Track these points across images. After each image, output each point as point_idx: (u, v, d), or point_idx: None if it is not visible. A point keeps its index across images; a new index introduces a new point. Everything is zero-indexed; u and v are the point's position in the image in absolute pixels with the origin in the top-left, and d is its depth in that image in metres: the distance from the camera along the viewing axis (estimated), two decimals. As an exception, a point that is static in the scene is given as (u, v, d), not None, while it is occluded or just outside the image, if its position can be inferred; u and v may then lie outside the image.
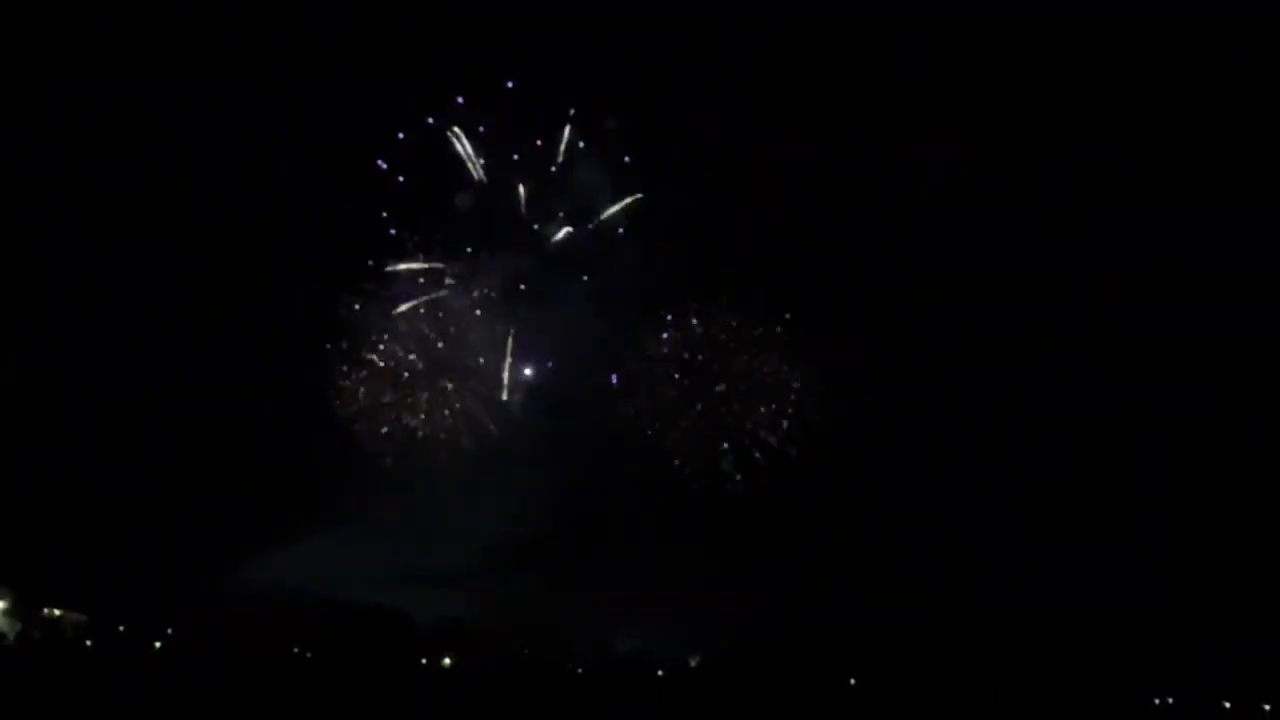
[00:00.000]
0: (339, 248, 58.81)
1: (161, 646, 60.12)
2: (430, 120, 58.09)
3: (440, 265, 58.61)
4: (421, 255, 58.45)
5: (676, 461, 59.48)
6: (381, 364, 58.53)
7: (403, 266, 58.35)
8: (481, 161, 58.72)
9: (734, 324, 59.75)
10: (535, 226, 59.49)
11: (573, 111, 58.47)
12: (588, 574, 61.57)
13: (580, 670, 63.15)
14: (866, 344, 60.24)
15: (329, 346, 58.01)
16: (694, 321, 59.83)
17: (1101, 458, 59.57)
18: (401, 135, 57.63)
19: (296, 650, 60.39)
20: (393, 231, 57.98)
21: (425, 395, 58.88)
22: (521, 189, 59.00)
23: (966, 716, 58.65)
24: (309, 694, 53.91)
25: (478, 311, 58.91)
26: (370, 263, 58.08)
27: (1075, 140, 57.75)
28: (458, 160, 58.65)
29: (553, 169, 59.03)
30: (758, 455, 59.31)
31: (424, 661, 61.47)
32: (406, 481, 59.03)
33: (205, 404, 59.90)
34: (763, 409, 59.54)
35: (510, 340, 59.09)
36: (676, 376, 59.82)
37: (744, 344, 59.83)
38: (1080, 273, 60.73)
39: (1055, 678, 59.54)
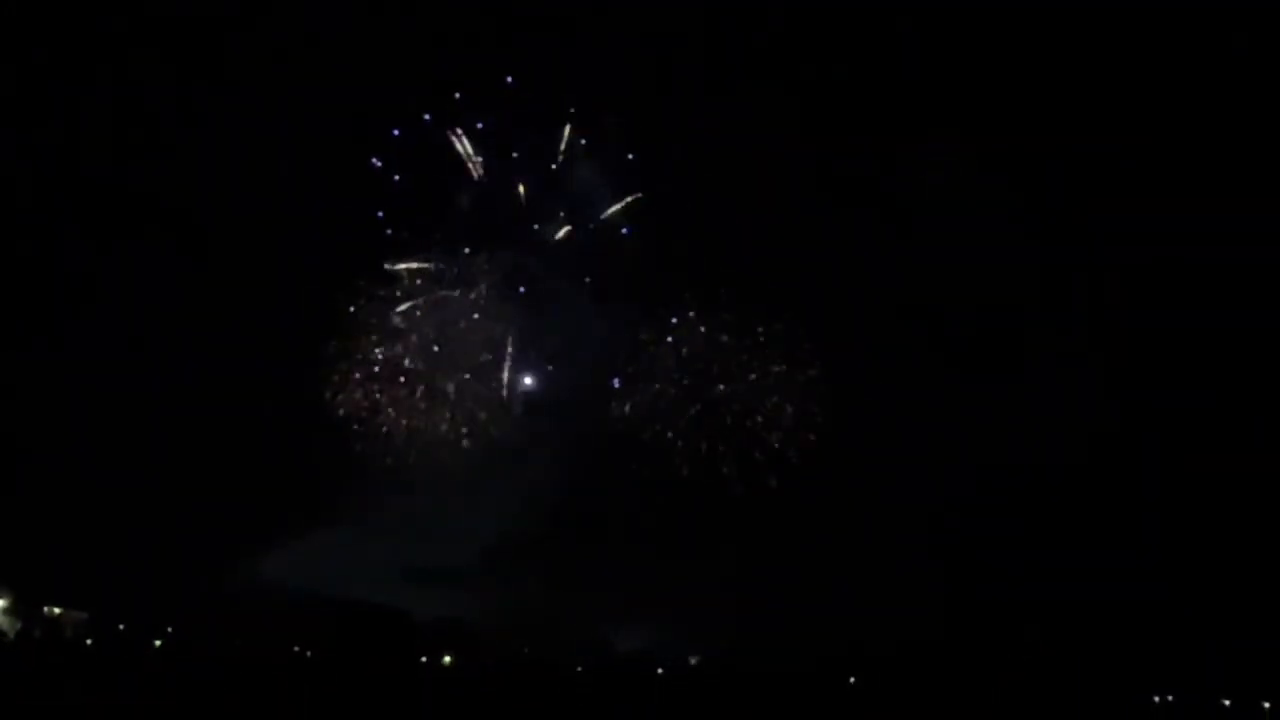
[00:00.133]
0: (339, 247, 58.90)
1: (161, 645, 60.15)
2: (431, 120, 58.15)
3: (440, 264, 58.63)
4: (421, 254, 58.49)
5: (676, 461, 59.51)
6: (381, 364, 58.53)
7: (402, 266, 58.39)
8: (480, 160, 58.77)
9: (734, 324, 59.76)
10: (535, 226, 59.59)
11: (573, 111, 58.62)
12: (588, 574, 61.63)
13: (580, 670, 63.17)
14: (866, 344, 60.32)
15: (329, 346, 58.08)
16: (694, 321, 59.85)
17: (1101, 458, 59.56)
18: (399, 134, 57.65)
19: (296, 650, 60.41)
20: (389, 232, 58.06)
21: (424, 395, 58.87)
22: (521, 188, 59.09)
23: (966, 716, 58.66)
24: (309, 693, 53.93)
25: (477, 312, 58.94)
26: (370, 262, 58.20)
27: (1075, 140, 57.75)
28: (458, 160, 58.75)
29: (553, 168, 59.11)
30: (757, 455, 59.33)
31: (424, 661, 61.50)
32: (406, 481, 59.03)
33: (205, 403, 59.97)
34: (763, 409, 59.56)
35: (510, 340, 59.14)
36: (676, 376, 59.83)
37: (744, 344, 59.84)
38: (1080, 273, 60.77)
39: (1055, 677, 59.56)
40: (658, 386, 59.86)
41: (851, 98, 59.40)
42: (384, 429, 58.75)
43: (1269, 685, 57.87)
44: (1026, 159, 57.86)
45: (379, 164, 57.69)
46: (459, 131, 58.43)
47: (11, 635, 57.78)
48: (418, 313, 58.71)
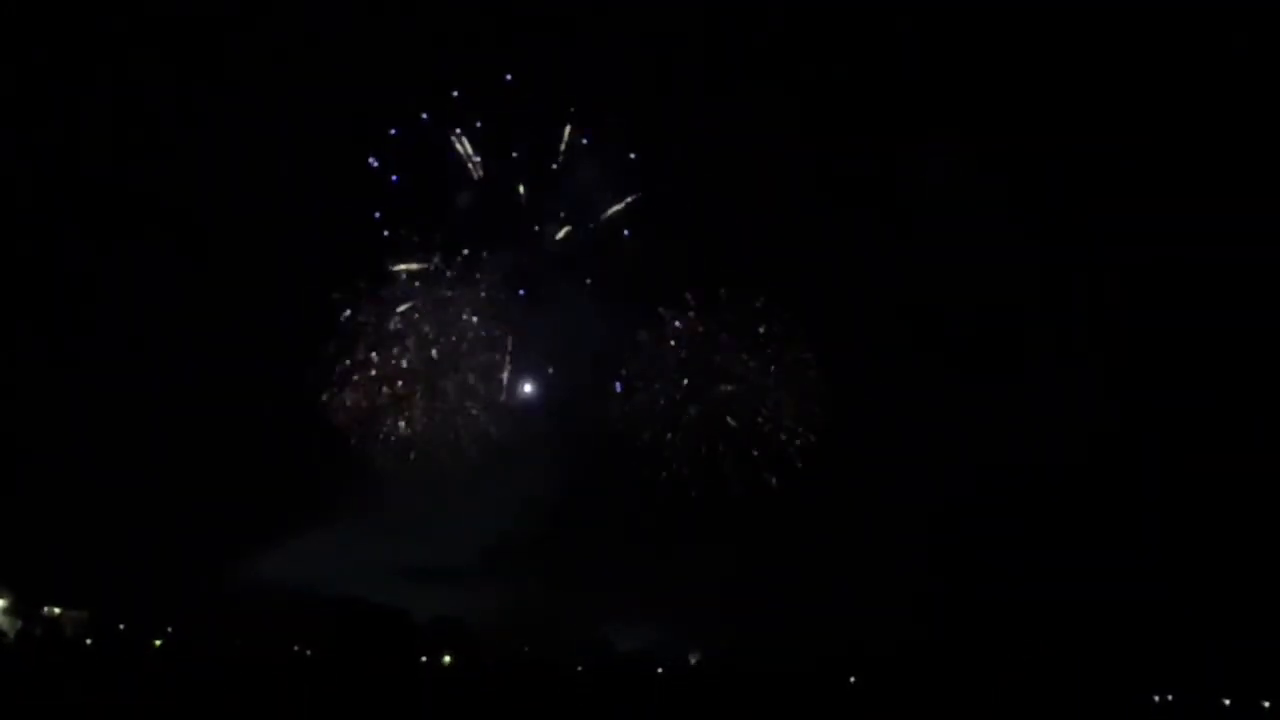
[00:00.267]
0: (339, 248, 58.88)
1: (161, 645, 60.15)
2: (431, 120, 58.13)
3: (440, 265, 58.60)
4: (421, 255, 58.45)
5: (676, 461, 59.48)
6: (380, 364, 58.50)
7: (402, 267, 58.36)
8: (478, 160, 58.76)
9: (734, 324, 59.76)
10: (536, 228, 59.60)
11: (573, 111, 58.62)
12: (588, 574, 61.65)
13: (580, 670, 63.17)
14: (866, 344, 60.38)
15: (328, 347, 58.08)
16: (694, 321, 59.85)
17: (1101, 458, 59.60)
18: (396, 133, 57.61)
19: (296, 649, 60.41)
20: (385, 234, 57.98)
21: (424, 396, 58.84)
22: (521, 188, 59.07)
23: (966, 716, 58.67)
24: (309, 693, 53.93)
25: (476, 313, 58.90)
26: (370, 263, 58.19)
27: (1075, 140, 57.78)
28: (458, 160, 58.72)
29: (553, 168, 59.09)
30: (757, 455, 59.31)
31: (424, 660, 61.50)
32: (406, 481, 59.02)
33: (205, 403, 59.97)
34: (763, 409, 59.55)
35: (509, 340, 59.13)
36: (676, 376, 59.84)
37: (744, 344, 59.82)
38: (1080, 273, 60.81)
39: (1055, 677, 59.55)
40: (657, 386, 59.87)
41: (851, 98, 59.46)
42: (383, 430, 58.75)
43: (1269, 685, 57.89)
44: (1026, 159, 57.94)
45: (376, 164, 57.70)
46: (458, 131, 58.49)
47: (11, 635, 57.77)
48: (417, 314, 58.70)
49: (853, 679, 62.10)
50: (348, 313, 57.65)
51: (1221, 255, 57.09)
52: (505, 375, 59.23)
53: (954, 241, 60.17)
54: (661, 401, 59.75)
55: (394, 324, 58.43)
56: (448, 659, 62.10)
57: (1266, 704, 58.28)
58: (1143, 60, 56.82)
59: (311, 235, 58.46)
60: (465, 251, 58.54)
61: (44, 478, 58.59)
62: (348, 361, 58.19)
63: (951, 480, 59.94)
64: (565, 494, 60.09)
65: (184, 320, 60.26)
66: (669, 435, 59.60)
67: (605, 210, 59.56)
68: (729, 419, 59.60)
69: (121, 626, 60.48)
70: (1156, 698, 60.53)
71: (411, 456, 58.62)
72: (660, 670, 63.11)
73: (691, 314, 59.79)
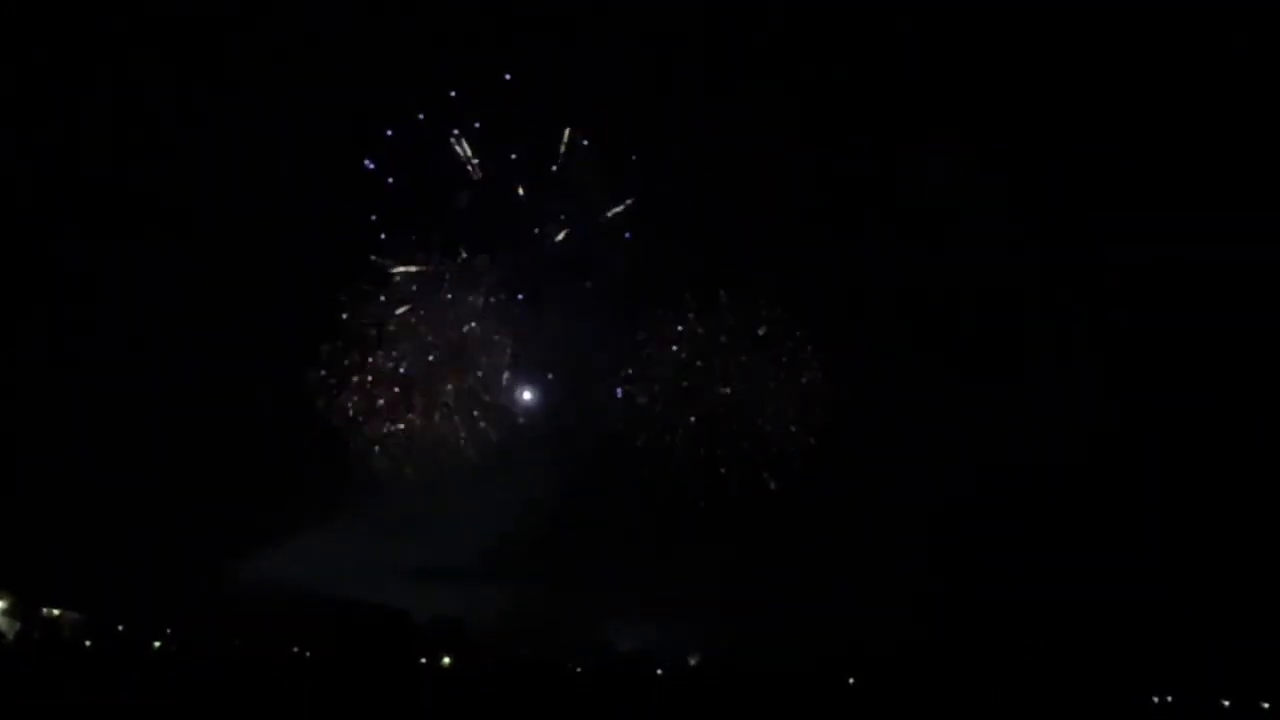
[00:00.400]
0: (339, 249, 58.83)
1: (160, 646, 60.09)
2: (431, 121, 58.09)
3: (439, 266, 58.55)
4: (420, 256, 58.40)
5: (676, 462, 59.46)
6: (379, 367, 58.47)
7: (401, 268, 58.31)
8: (477, 161, 58.71)
9: (734, 324, 59.73)
10: (536, 230, 59.54)
11: (572, 111, 58.59)
12: (588, 574, 61.58)
13: (580, 670, 63.13)
14: (866, 344, 60.30)
15: (327, 349, 58.00)
16: (694, 322, 59.82)
17: (1101, 458, 59.59)
18: (392, 133, 57.53)
19: (296, 650, 60.34)
20: (383, 236, 57.91)
21: (423, 398, 58.80)
22: (521, 189, 59.04)
23: (966, 716, 58.67)
24: (309, 694, 53.89)
25: (475, 314, 58.85)
26: (370, 264, 58.13)
27: (1075, 140, 57.77)
28: (456, 160, 58.67)
29: (553, 168, 59.03)
30: (757, 455, 59.30)
31: (424, 661, 61.44)
32: (406, 482, 58.99)
33: (204, 403, 59.90)
34: (763, 409, 59.53)
35: (509, 342, 59.08)
36: (676, 377, 59.80)
37: (744, 345, 59.81)
38: (1080, 273, 60.78)
39: (1055, 677, 59.55)
40: (657, 388, 59.85)
41: (851, 98, 59.42)
42: (383, 432, 58.70)
43: (1269, 685, 57.89)
44: (1026, 159, 57.89)
45: (372, 166, 57.62)
46: (457, 132, 58.42)
47: (10, 636, 57.70)
48: (416, 314, 58.65)
49: (852, 679, 62.07)
50: (350, 312, 57.71)
51: (1221, 255, 57.09)
52: (505, 377, 59.22)
53: (954, 241, 60.24)
54: (661, 403, 59.76)
55: (393, 326, 58.42)
56: (448, 659, 62.06)
57: (1266, 704, 58.26)
58: (1143, 60, 56.84)
59: (312, 236, 58.46)
60: (464, 253, 58.57)
61: (43, 478, 58.54)
62: (346, 363, 58.19)
63: (951, 480, 59.95)
64: (565, 495, 60.09)
65: (184, 320, 60.20)
66: (668, 436, 59.61)
67: (605, 211, 59.57)
68: (729, 420, 59.62)
69: (121, 627, 60.40)
70: (1156, 698, 60.51)
71: (411, 459, 58.67)
72: (660, 670, 63.07)
73: (691, 315, 59.83)
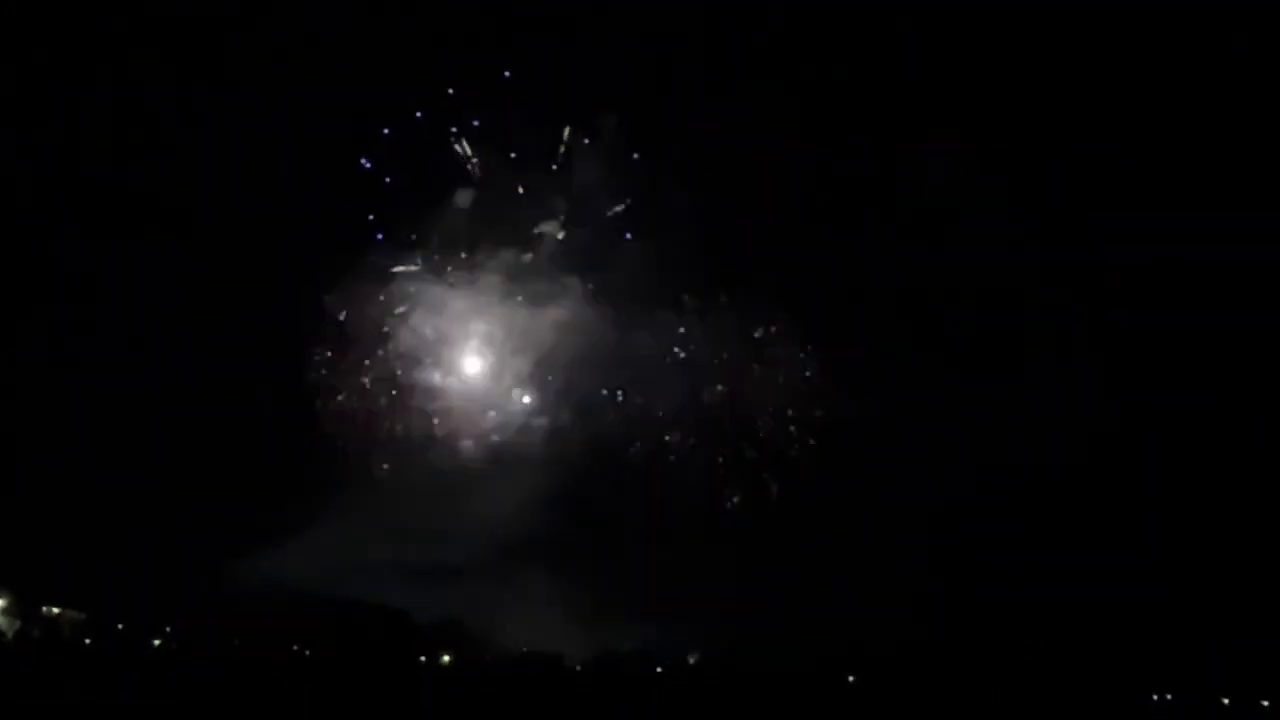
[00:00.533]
0: (339, 249, 58.89)
1: (160, 645, 60.09)
2: (430, 120, 58.12)
3: (438, 266, 58.58)
4: (419, 256, 58.46)
5: (676, 462, 59.49)
6: (379, 366, 58.51)
7: (401, 268, 58.35)
8: (476, 160, 58.72)
9: (734, 325, 59.74)
10: (536, 231, 59.54)
11: (573, 111, 58.61)
12: (588, 574, 61.58)
13: (580, 670, 63.12)
14: (866, 344, 60.32)
15: (327, 348, 58.04)
16: (694, 322, 59.86)
17: (1101, 458, 59.60)
18: (391, 132, 57.66)
19: (296, 649, 60.36)
20: (380, 236, 57.99)
21: (422, 398, 58.84)
22: (521, 188, 59.03)
23: (966, 716, 58.64)
24: (309, 693, 53.86)
25: (475, 314, 58.89)
26: (370, 264, 58.15)
27: (1075, 140, 57.79)
28: (456, 160, 58.69)
29: (553, 168, 59.05)
30: (757, 455, 59.33)
31: (424, 660, 61.45)
32: (406, 482, 59.01)
33: (204, 402, 59.97)
34: (763, 409, 59.54)
35: (509, 342, 59.09)
36: (676, 377, 59.84)
37: (744, 344, 59.82)
38: (1080, 273, 60.79)
39: (1055, 677, 59.55)
40: (657, 388, 59.86)
41: (851, 98, 59.44)
42: (382, 431, 58.74)
43: (1269, 685, 57.88)
44: (1026, 159, 57.91)
45: (369, 165, 57.70)
46: (456, 131, 58.47)
47: (10, 635, 57.71)
48: (415, 315, 58.68)
49: (852, 679, 62.06)
50: (349, 311, 57.74)
51: (1221, 255, 57.12)
52: (504, 377, 59.23)
53: (954, 241, 60.25)
54: (661, 403, 59.78)
55: (392, 325, 58.46)
56: (448, 659, 62.06)
57: (1266, 704, 58.26)
58: (1143, 60, 56.86)
59: (311, 236, 58.50)
60: (464, 253, 58.58)
61: (42, 477, 58.59)
62: (346, 363, 58.20)
63: (951, 480, 59.97)
64: (565, 495, 60.15)
65: (183, 320, 60.30)
66: (668, 436, 59.62)
67: (605, 211, 59.57)
68: (729, 420, 59.66)
69: (120, 626, 60.41)
70: (1156, 697, 60.51)
71: (410, 459, 58.72)
72: (660, 670, 63.06)
73: (691, 315, 59.85)
